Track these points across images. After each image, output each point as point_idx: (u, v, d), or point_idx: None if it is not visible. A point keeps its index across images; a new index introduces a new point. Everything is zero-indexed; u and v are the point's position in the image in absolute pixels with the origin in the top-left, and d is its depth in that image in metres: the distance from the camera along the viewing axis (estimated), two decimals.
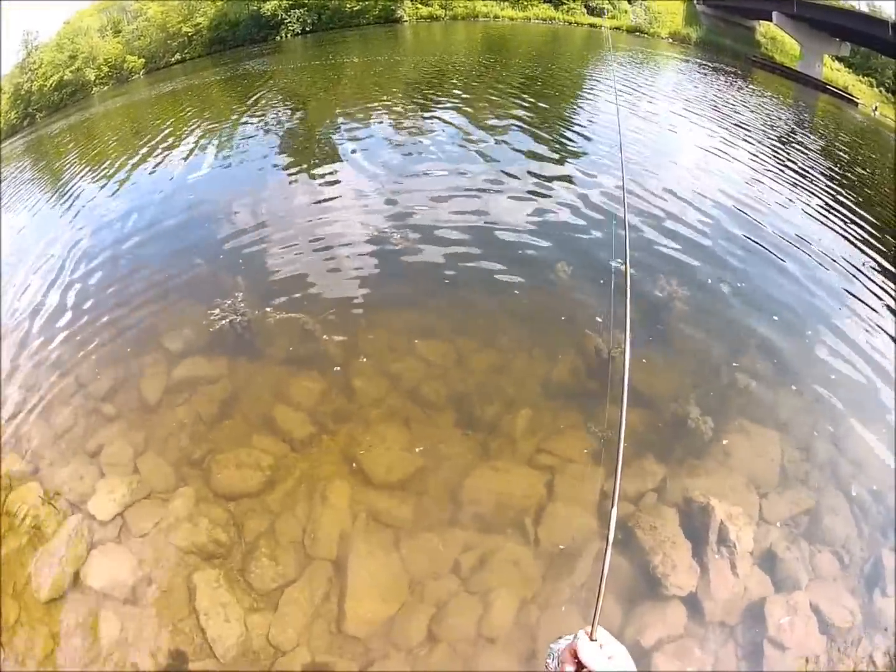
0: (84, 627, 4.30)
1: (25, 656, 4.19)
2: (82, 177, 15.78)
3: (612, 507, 1.71)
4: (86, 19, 46.65)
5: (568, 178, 11.14)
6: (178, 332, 6.97)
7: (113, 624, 4.30)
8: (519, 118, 15.17)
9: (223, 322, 6.75)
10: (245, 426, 5.72)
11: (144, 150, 16.58)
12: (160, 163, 14.96)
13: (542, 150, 12.80)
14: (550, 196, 10.06)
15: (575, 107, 17.74)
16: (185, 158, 14.86)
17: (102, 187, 14.12)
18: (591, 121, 15.93)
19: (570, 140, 13.90)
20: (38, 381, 6.68)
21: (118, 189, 13.57)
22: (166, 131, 18.43)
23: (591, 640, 1.52)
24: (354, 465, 5.24)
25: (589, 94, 19.96)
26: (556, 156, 12.53)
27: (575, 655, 1.48)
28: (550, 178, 11.02)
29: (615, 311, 6.91)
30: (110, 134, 23.18)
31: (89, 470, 5.43)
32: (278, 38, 44.60)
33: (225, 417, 5.84)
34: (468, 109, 15.97)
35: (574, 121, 15.87)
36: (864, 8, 33.04)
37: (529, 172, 11.14)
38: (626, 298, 1.89)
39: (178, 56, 45.80)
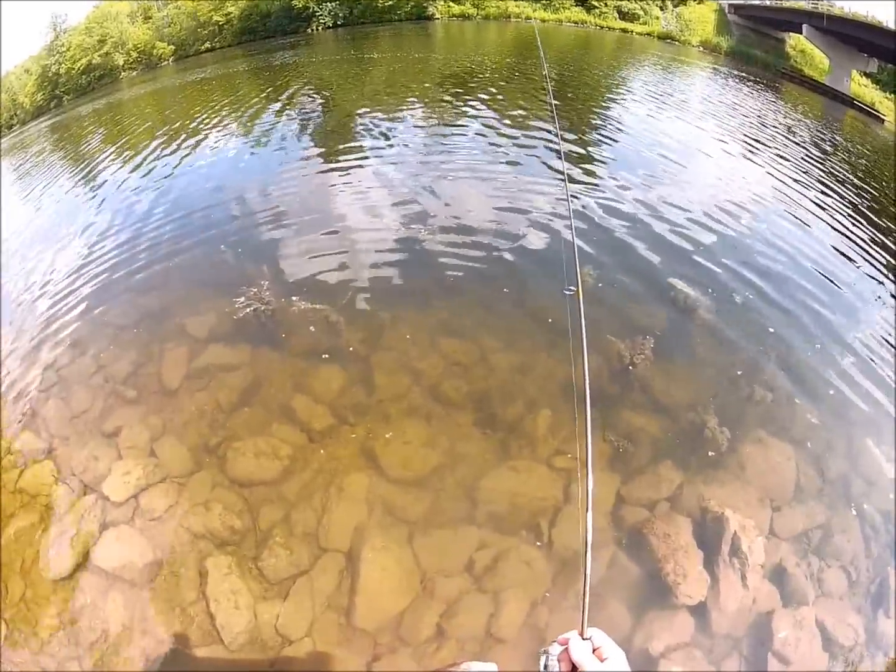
0: (91, 608, 4.32)
1: (28, 633, 4.21)
2: (109, 160, 15.90)
3: (588, 510, 1.74)
4: (116, 4, 46.89)
5: (594, 178, 11.17)
6: (201, 319, 7.01)
7: (120, 605, 4.32)
8: (545, 119, 15.14)
9: (247, 310, 6.79)
10: (264, 415, 5.73)
11: (171, 136, 16.69)
12: (187, 149, 15.05)
13: (571, 151, 12.74)
14: (574, 201, 10.01)
15: (605, 113, 17.70)
16: (213, 146, 14.96)
17: (128, 171, 14.23)
18: (620, 126, 15.95)
19: (596, 141, 13.94)
20: (57, 361, 6.73)
21: (144, 173, 13.67)
22: (194, 118, 18.55)
23: (583, 638, 1.53)
24: (372, 458, 5.24)
25: (620, 99, 19.94)
26: (586, 158, 12.51)
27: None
28: (579, 182, 11.02)
29: (640, 317, 6.95)
30: (138, 119, 23.26)
31: (106, 451, 5.44)
32: (309, 30, 44.82)
33: (244, 405, 5.85)
34: (497, 110, 15.92)
35: (604, 125, 15.86)
36: (892, 25, 32.76)
37: (560, 176, 11.09)
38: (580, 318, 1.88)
39: (207, 45, 46.13)
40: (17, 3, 47.37)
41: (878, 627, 4.48)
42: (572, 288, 2.75)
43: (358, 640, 4.12)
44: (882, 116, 33.74)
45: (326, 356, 6.37)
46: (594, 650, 1.50)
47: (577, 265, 2.61)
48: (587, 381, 1.93)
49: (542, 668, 1.54)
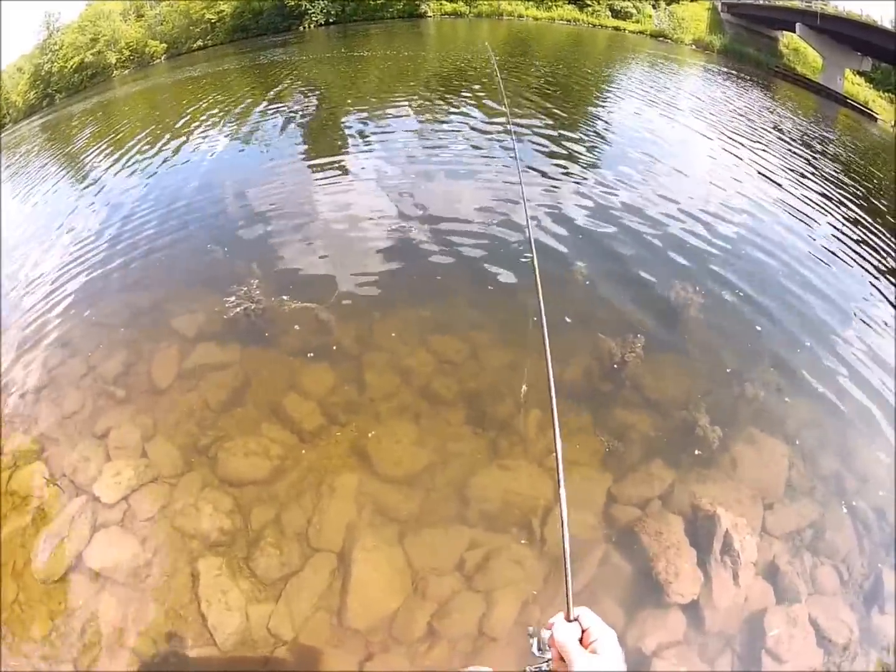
0: (83, 609, 4.30)
1: (22, 636, 4.19)
2: (99, 158, 15.88)
3: (560, 485, 1.64)
4: (108, 3, 46.77)
5: (585, 177, 11.21)
6: (191, 318, 6.99)
7: (113, 607, 4.30)
8: (537, 117, 15.19)
9: (237, 309, 6.76)
10: (255, 414, 5.72)
11: (163, 134, 16.69)
12: (178, 147, 15.06)
13: (561, 150, 12.81)
14: (567, 200, 10.04)
15: (596, 110, 17.75)
16: (204, 144, 14.97)
17: (119, 169, 14.23)
18: (612, 125, 16.04)
19: (588, 140, 14.00)
20: (47, 361, 6.69)
21: (135, 172, 13.66)
22: (185, 117, 18.56)
23: (569, 620, 1.44)
24: (363, 457, 5.24)
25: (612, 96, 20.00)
26: (576, 155, 12.57)
27: None
28: (569, 177, 11.08)
29: (631, 315, 6.95)
30: (129, 117, 23.27)
31: (96, 452, 5.42)
32: (301, 28, 44.94)
33: (235, 405, 5.84)
34: (488, 108, 15.94)
35: (596, 124, 15.92)
36: (887, 24, 32.86)
37: (548, 174, 11.16)
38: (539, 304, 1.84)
39: (200, 42, 46.12)
40: (12, 2, 47.07)
41: (871, 624, 4.50)
42: (528, 255, 2.76)
43: (350, 640, 4.11)
44: (875, 115, 33.85)
45: (317, 355, 6.37)
46: (582, 631, 1.43)
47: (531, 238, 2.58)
48: (546, 338, 1.88)
49: (534, 653, 1.47)
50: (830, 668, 4.23)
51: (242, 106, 19.12)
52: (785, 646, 4.22)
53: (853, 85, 39.15)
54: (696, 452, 5.46)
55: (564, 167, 11.69)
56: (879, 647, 4.38)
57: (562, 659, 1.39)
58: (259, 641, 4.15)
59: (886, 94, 39.13)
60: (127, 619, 4.24)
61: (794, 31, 38.78)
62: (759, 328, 7.18)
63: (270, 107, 18.35)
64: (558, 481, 1.63)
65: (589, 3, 45.89)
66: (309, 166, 12.17)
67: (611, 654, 1.37)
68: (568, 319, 6.90)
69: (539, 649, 1.46)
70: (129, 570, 4.48)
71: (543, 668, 1.45)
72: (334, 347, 6.46)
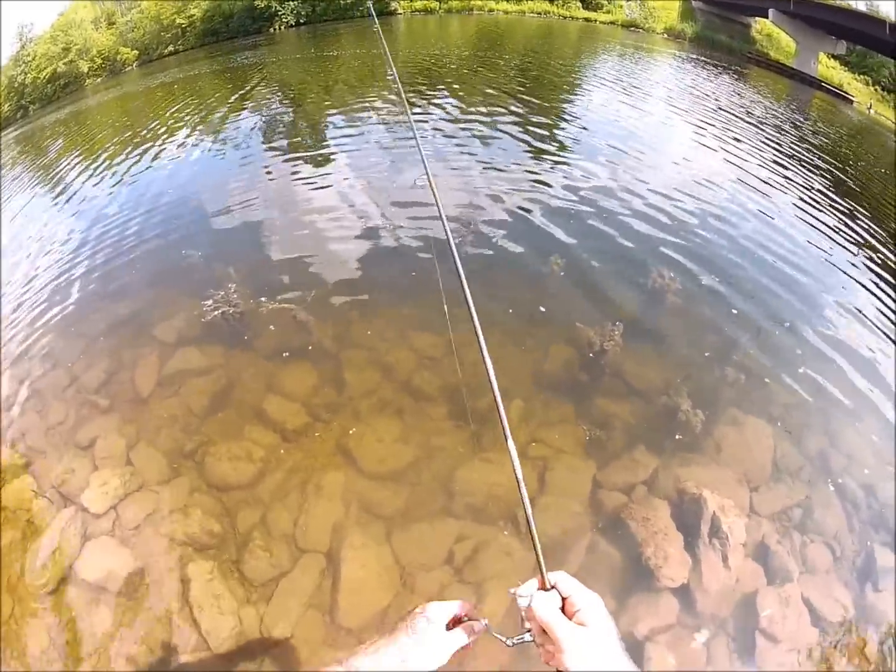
0: (78, 620, 4.27)
1: (21, 651, 4.16)
2: (74, 168, 15.72)
3: (508, 439, 1.56)
4: (80, 11, 46.44)
5: (559, 168, 11.28)
6: (170, 324, 6.95)
7: (107, 617, 4.28)
8: (510, 112, 15.28)
9: (216, 313, 6.73)
10: (238, 417, 5.70)
11: (136, 141, 16.56)
12: (152, 154, 14.92)
13: (535, 142, 12.91)
14: (539, 191, 10.09)
15: (565, 102, 17.83)
16: (178, 150, 14.88)
17: (94, 179, 14.10)
18: (582, 114, 16.15)
19: (561, 131, 14.20)
20: (30, 373, 6.64)
21: (110, 181, 13.53)
22: (158, 123, 18.39)
23: (546, 589, 1.36)
24: (347, 456, 5.23)
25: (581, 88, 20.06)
26: (550, 147, 12.65)
27: None
28: (542, 170, 11.16)
29: (608, 303, 6.98)
30: (103, 126, 23.13)
31: (83, 463, 5.39)
32: (272, 30, 44.80)
33: (218, 409, 5.82)
34: (461, 102, 15.98)
35: (567, 114, 16.01)
36: (861, 7, 33.13)
37: (521, 165, 11.23)
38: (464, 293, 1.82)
39: (171, 48, 45.83)
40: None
41: (866, 602, 4.52)
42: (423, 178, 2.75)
43: (343, 639, 4.10)
44: (851, 97, 34.18)
45: (296, 355, 6.36)
46: (563, 600, 1.33)
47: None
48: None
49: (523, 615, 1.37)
50: (826, 646, 4.25)
51: (213, 110, 19.10)
52: (779, 625, 4.24)
53: (827, 69, 39.49)
54: (680, 437, 5.49)
55: (533, 159, 11.79)
56: (875, 623, 4.40)
57: (545, 632, 1.29)
58: (253, 644, 4.13)
59: (862, 76, 39.47)
60: (121, 628, 4.22)
61: (767, 17, 38.98)
62: (736, 311, 7.24)
63: (241, 110, 18.34)
64: (505, 436, 1.58)
65: None
66: (281, 168, 12.14)
67: (601, 624, 1.27)
68: (542, 309, 6.93)
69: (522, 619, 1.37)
70: (121, 579, 4.45)
71: (526, 639, 1.36)
72: (314, 347, 6.46)
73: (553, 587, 1.35)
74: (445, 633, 1.43)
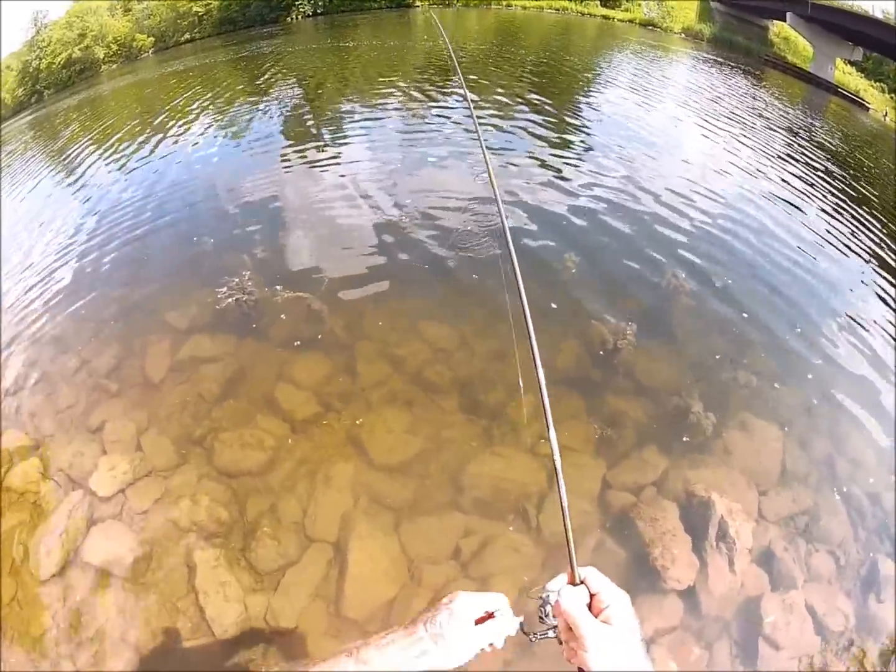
0: (82, 605, 4.28)
1: (22, 633, 4.17)
2: (89, 154, 15.73)
3: (549, 429, 1.50)
4: None
5: (575, 168, 11.19)
6: (183, 310, 6.96)
7: (111, 602, 4.29)
8: (526, 106, 15.29)
9: (229, 300, 6.74)
10: (249, 405, 5.71)
11: (151, 128, 16.55)
12: (167, 141, 14.94)
13: (547, 139, 12.88)
14: (556, 188, 10.06)
15: (581, 99, 17.80)
16: (193, 138, 14.85)
17: (109, 165, 14.13)
18: (597, 112, 16.14)
19: (574, 128, 14.13)
20: (40, 356, 6.66)
21: (125, 167, 13.56)
22: (174, 111, 18.41)
23: (574, 584, 1.32)
24: (357, 446, 5.24)
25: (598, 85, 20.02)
26: (564, 146, 12.61)
27: None
28: (558, 166, 11.14)
29: (622, 302, 6.96)
30: (118, 112, 23.16)
31: (91, 447, 5.40)
32: (289, 19, 44.66)
33: (229, 396, 5.83)
34: (476, 97, 15.92)
35: (581, 112, 15.98)
36: (878, 14, 32.96)
37: (535, 160, 11.24)
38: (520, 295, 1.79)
39: (187, 35, 45.77)
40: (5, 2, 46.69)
41: (868, 613, 4.51)
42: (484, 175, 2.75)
43: (347, 630, 4.10)
44: (867, 104, 34.01)
45: (309, 345, 6.36)
46: (591, 596, 1.30)
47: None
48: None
49: (542, 617, 1.34)
50: (827, 655, 4.24)
51: (228, 99, 19.05)
52: (782, 632, 4.24)
53: (844, 74, 39.31)
54: (690, 439, 5.48)
55: (549, 155, 11.73)
56: (876, 634, 4.39)
57: (570, 628, 1.25)
58: (258, 632, 4.14)
59: (878, 83, 39.29)
60: (126, 614, 4.22)
61: (785, 21, 38.85)
62: (749, 315, 7.22)
63: (256, 99, 18.30)
64: (547, 425, 1.52)
65: None
66: (296, 156, 12.13)
67: (626, 624, 1.24)
68: (554, 305, 6.91)
69: (546, 615, 1.33)
70: (126, 563, 4.47)
71: (550, 636, 1.33)
72: (326, 337, 6.46)
73: (582, 582, 1.32)
74: (472, 628, 1.35)
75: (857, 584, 4.69)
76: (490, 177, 2.48)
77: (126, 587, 4.37)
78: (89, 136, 18.35)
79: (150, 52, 45.51)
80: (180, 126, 16.15)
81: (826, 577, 4.71)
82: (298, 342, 6.39)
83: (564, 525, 1.40)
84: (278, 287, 7.03)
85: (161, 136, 15.50)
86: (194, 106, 18.47)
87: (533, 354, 1.63)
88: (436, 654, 1.30)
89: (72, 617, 4.23)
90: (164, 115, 17.85)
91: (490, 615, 1.39)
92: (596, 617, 1.26)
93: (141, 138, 15.75)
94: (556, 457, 1.46)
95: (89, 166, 14.48)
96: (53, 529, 4.72)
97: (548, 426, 1.51)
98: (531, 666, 3.57)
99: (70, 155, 16.32)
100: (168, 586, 4.37)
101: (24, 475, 5.23)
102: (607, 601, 1.27)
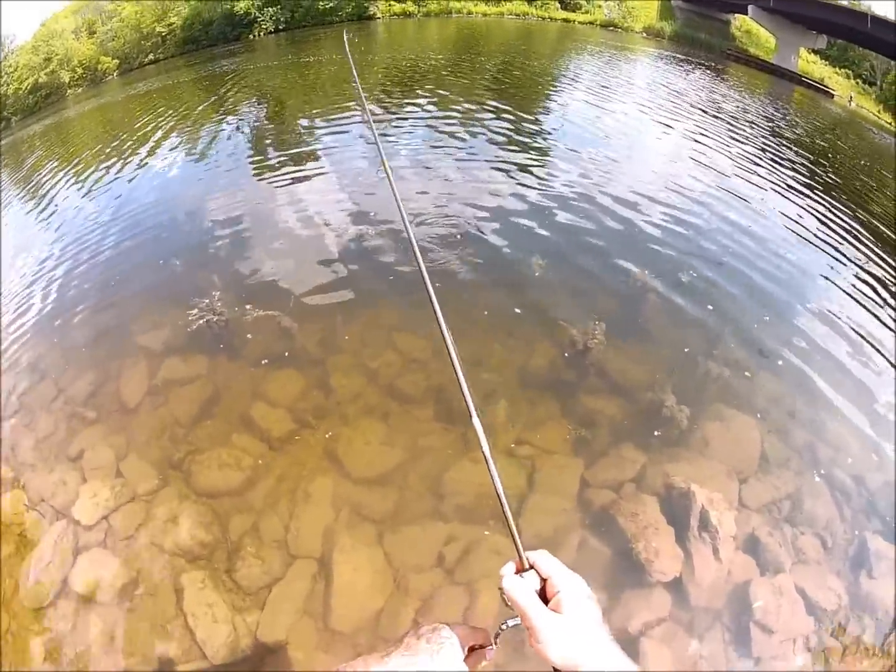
0: (73, 633, 4.25)
1: (17, 664, 4.15)
2: (56, 179, 15.65)
3: (473, 415, 1.46)
4: (61, 21, 46.41)
5: (538, 172, 11.28)
6: (156, 333, 6.93)
7: (101, 629, 4.26)
8: (488, 113, 15.40)
9: (200, 322, 6.72)
10: (225, 425, 5.69)
11: (118, 151, 16.50)
12: (134, 164, 14.87)
13: (510, 144, 13.01)
14: (519, 194, 10.14)
15: (541, 104, 17.95)
16: (159, 159, 14.80)
17: (76, 189, 14.06)
18: (556, 115, 16.32)
19: (535, 133, 14.25)
20: (16, 386, 6.62)
21: (92, 191, 13.49)
22: (139, 133, 18.32)
23: (523, 570, 1.26)
24: (335, 460, 5.23)
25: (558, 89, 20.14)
26: (526, 150, 12.72)
27: None
28: (520, 170, 11.22)
29: (590, 302, 7.01)
30: (84, 136, 23.14)
31: (72, 475, 5.37)
32: (252, 36, 44.73)
33: (205, 417, 5.80)
34: (440, 105, 16.03)
35: (541, 116, 16.13)
36: (843, 1, 33.40)
37: (498, 167, 11.31)
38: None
39: (151, 56, 45.71)
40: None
41: (861, 590, 4.54)
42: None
43: (337, 643, 4.10)
44: (831, 91, 34.46)
45: (282, 362, 6.34)
46: (543, 581, 1.23)
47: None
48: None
49: (508, 605, 1.23)
50: (822, 634, 4.27)
51: (191, 119, 19.04)
52: (773, 616, 4.25)
53: (808, 63, 39.83)
54: (666, 433, 5.52)
55: (511, 162, 11.75)
56: (871, 611, 4.43)
57: None
58: (249, 651, 4.13)
59: (843, 69, 39.80)
60: (116, 640, 4.20)
61: (747, 14, 39.24)
62: (716, 307, 7.29)
63: (220, 118, 18.34)
64: (469, 413, 1.49)
65: None
66: (260, 174, 12.12)
67: (579, 612, 1.15)
68: (517, 311, 6.96)
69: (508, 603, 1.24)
70: (114, 590, 4.45)
71: (510, 625, 1.24)
72: (298, 353, 6.46)
73: (531, 567, 1.26)
74: (462, 657, 1.26)
75: (847, 563, 4.73)
76: (390, 180, 2.52)
77: (116, 614, 4.34)
78: (57, 162, 18.25)
79: (115, 74, 45.36)
80: (144, 149, 16.11)
81: (814, 558, 4.73)
82: (269, 360, 6.37)
83: (502, 508, 1.35)
84: (248, 306, 7.01)
85: (126, 159, 15.46)
86: (158, 127, 18.41)
87: (446, 344, 1.67)
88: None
89: (63, 646, 4.21)
90: (128, 138, 17.78)
91: (473, 647, 1.32)
92: (550, 602, 1.20)
93: (106, 163, 15.66)
94: (483, 444, 1.44)
95: (54, 192, 14.44)
96: (40, 560, 4.69)
97: (470, 414, 1.49)
98: (526, 666, 3.59)
99: (38, 181, 16.23)
100: (157, 611, 4.35)
101: (10, 507, 5.21)
102: (558, 586, 1.20)
